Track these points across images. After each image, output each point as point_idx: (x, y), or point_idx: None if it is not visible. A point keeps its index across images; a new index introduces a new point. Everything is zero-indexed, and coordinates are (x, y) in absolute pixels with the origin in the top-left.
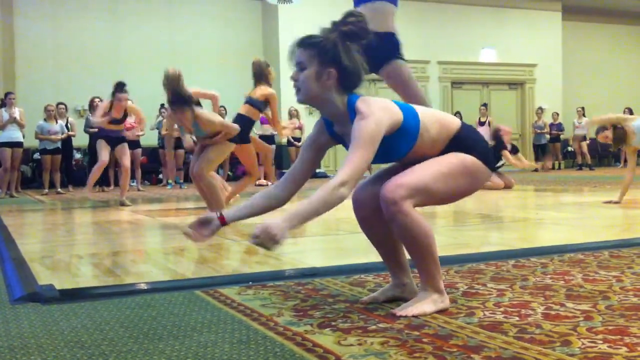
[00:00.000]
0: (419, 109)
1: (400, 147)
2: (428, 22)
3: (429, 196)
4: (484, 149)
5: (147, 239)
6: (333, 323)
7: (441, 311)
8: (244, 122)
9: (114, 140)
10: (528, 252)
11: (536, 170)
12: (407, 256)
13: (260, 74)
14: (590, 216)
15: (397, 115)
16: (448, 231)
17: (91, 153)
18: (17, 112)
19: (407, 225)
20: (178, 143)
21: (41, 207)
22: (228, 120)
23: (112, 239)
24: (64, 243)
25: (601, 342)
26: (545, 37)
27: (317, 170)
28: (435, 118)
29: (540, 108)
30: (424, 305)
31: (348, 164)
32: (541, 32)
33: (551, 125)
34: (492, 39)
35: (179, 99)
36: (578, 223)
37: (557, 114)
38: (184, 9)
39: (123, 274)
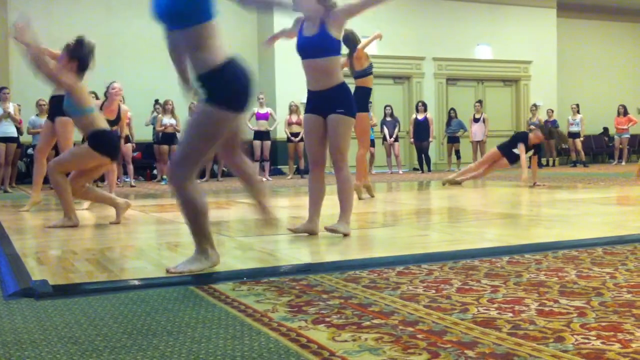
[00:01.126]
0: None
1: None
2: (423, 18)
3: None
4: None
5: (140, 235)
6: (327, 319)
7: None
8: None
9: None
10: (522, 248)
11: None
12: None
13: None
14: (584, 213)
15: None
16: (443, 227)
17: None
18: (11, 107)
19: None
20: (173, 138)
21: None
22: None
23: (106, 234)
24: (57, 239)
25: (595, 338)
26: (540, 34)
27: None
28: None
29: (535, 105)
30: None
31: None
32: (536, 29)
33: (546, 122)
34: (487, 35)
35: None
36: (572, 220)
37: (552, 111)
38: None
39: (117, 270)
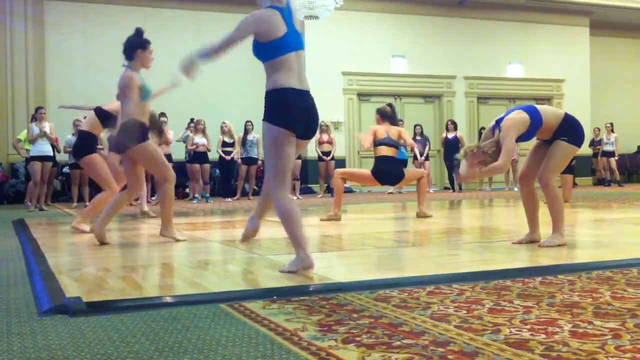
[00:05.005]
0: None
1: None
2: (454, 37)
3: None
4: None
5: (173, 253)
6: (357, 338)
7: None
8: None
9: None
10: (555, 269)
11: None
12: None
13: None
14: (618, 233)
15: None
16: (474, 247)
17: None
18: (47, 127)
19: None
20: (204, 157)
21: (70, 220)
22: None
23: (139, 252)
24: (91, 256)
25: None
26: (572, 52)
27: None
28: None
29: None
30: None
31: None
32: (569, 47)
33: (593, 141)
34: (519, 54)
35: None
36: (606, 240)
37: (599, 130)
38: (211, 26)
39: (149, 287)
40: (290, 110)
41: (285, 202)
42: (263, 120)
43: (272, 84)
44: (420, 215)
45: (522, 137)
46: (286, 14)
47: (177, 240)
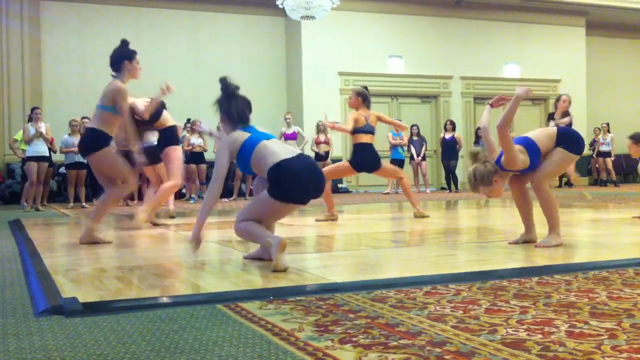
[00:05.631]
0: None
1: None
2: (451, 37)
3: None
4: None
5: (169, 253)
6: (354, 339)
7: None
8: None
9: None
10: (552, 269)
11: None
12: None
13: None
14: (615, 233)
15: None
16: (470, 247)
17: None
18: (43, 127)
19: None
20: (201, 158)
21: (66, 220)
22: None
23: (135, 252)
24: (87, 256)
25: None
26: (569, 53)
27: (340, 186)
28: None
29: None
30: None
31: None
32: (565, 48)
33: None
34: (515, 54)
35: None
36: (603, 240)
37: (600, 130)
38: (208, 25)
39: (146, 288)
40: (294, 182)
41: (243, 225)
42: (269, 194)
43: (266, 167)
44: (418, 215)
45: (528, 169)
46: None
47: (104, 243)
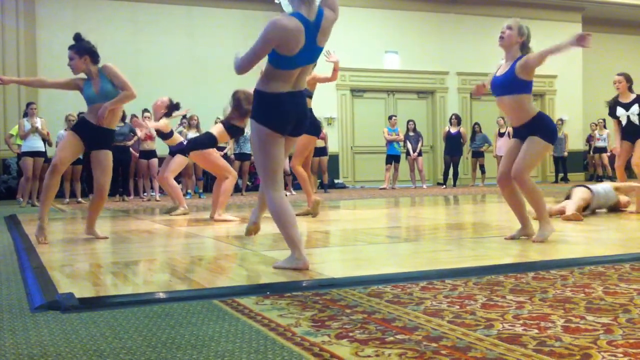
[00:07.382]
0: None
1: None
2: (447, 33)
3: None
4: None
5: (165, 249)
6: (350, 334)
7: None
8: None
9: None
10: (548, 264)
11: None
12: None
13: None
14: (611, 228)
15: None
16: (466, 243)
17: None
18: (38, 122)
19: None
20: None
21: (62, 216)
22: None
23: (131, 248)
24: (83, 252)
25: (622, 355)
26: None
27: (336, 181)
28: None
29: (561, 119)
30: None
31: None
32: None
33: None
34: None
35: None
36: (599, 235)
37: (596, 125)
38: (203, 22)
39: (142, 283)
40: (280, 114)
41: (277, 202)
42: (251, 117)
43: (264, 86)
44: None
45: (528, 86)
46: (312, 27)
47: (99, 238)
